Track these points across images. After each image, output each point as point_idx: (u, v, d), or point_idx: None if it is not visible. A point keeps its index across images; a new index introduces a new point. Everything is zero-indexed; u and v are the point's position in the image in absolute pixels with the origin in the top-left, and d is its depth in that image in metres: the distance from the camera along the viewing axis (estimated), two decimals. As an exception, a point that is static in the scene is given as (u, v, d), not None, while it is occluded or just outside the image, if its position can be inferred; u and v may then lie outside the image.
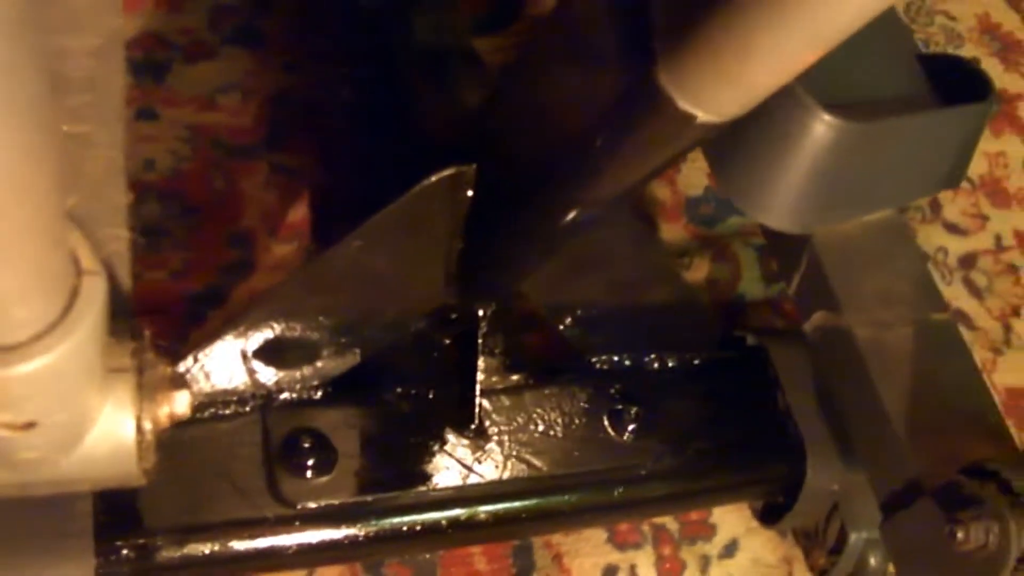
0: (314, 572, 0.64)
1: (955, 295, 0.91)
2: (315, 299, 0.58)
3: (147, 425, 0.41)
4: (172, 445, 0.57)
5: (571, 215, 0.50)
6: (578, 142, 0.45)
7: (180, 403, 0.42)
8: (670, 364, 0.70)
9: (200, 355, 0.58)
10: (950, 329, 0.64)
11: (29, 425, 0.35)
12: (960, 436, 0.58)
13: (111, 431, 0.40)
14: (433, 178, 0.54)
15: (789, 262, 0.65)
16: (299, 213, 0.75)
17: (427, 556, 0.67)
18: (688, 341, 0.70)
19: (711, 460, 0.67)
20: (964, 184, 0.97)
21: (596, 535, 0.70)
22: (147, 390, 0.41)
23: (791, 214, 0.62)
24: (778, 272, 0.67)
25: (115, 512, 0.54)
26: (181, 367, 0.58)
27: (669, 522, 0.73)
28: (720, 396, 0.70)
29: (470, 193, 0.55)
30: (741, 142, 0.61)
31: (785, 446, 0.68)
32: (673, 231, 0.85)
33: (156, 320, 0.68)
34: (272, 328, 0.59)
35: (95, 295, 0.33)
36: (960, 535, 0.53)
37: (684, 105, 0.37)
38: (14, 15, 0.23)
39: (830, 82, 0.61)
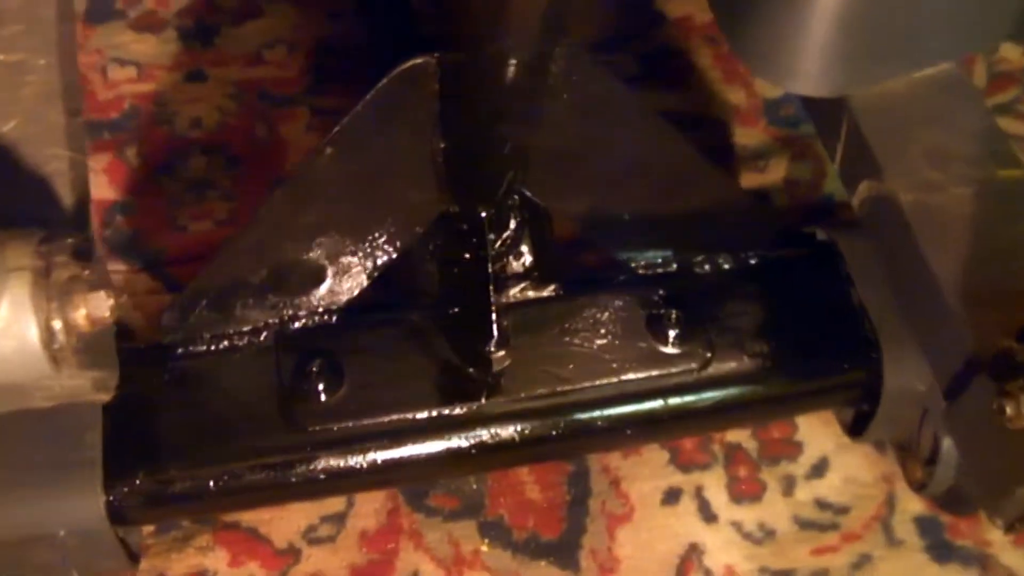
0: (353, 500, 0.63)
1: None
2: (304, 217, 0.57)
3: (57, 325, 0.41)
4: (182, 374, 0.59)
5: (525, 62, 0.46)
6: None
7: (98, 305, 0.42)
8: (723, 265, 0.64)
9: (206, 289, 0.58)
10: (1022, 186, 0.55)
11: None
12: (1027, 302, 0.50)
13: (12, 329, 0.40)
14: (393, 73, 0.52)
15: (831, 134, 0.59)
16: (343, 154, 0.75)
17: (474, 486, 0.64)
18: (740, 240, 0.64)
19: (770, 365, 0.61)
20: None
21: (658, 457, 0.65)
22: (56, 291, 0.41)
23: (819, 76, 0.55)
24: (826, 148, 0.61)
25: (126, 443, 0.55)
26: (188, 303, 0.58)
27: (746, 440, 0.67)
28: (781, 296, 0.63)
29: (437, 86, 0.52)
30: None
31: (860, 347, 0.61)
32: (751, 135, 0.78)
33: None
34: (268, 253, 0.58)
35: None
36: (1010, 410, 0.45)
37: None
38: None
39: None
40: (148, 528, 0.62)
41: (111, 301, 0.42)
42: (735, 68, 0.80)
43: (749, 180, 0.75)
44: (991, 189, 0.54)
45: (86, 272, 0.43)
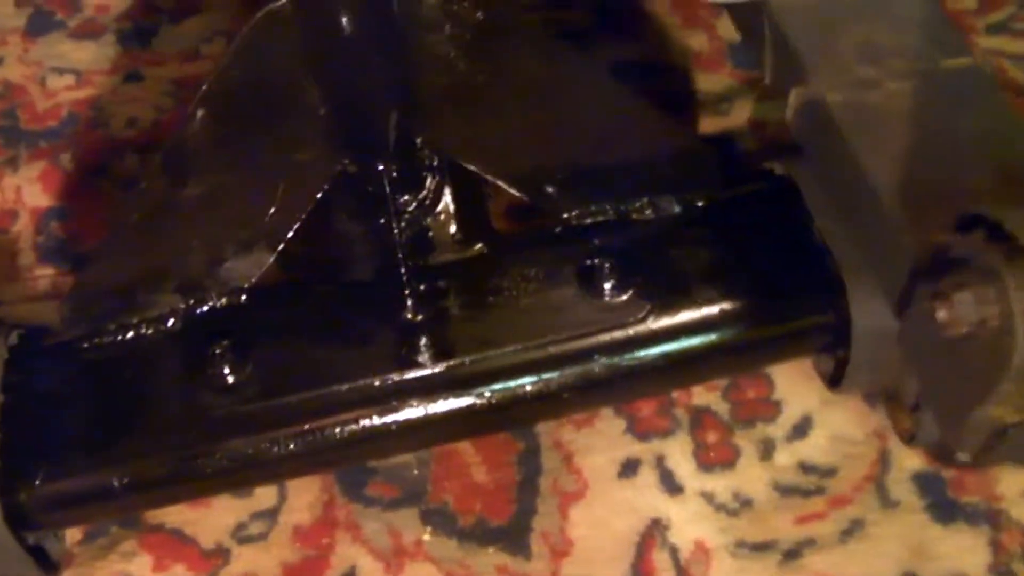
0: (285, 495, 0.59)
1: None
2: (187, 191, 0.53)
3: None
4: (81, 367, 0.55)
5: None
6: None
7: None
8: (667, 210, 0.59)
9: (98, 276, 0.55)
10: (973, 74, 0.48)
11: None
12: (974, 198, 0.44)
13: None
14: (252, 20, 0.48)
15: (757, 45, 0.53)
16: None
17: (415, 471, 0.60)
18: (686, 183, 0.59)
19: (722, 313, 0.55)
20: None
21: (613, 426, 0.60)
22: None
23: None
24: (757, 67, 0.55)
25: (20, 442, 0.52)
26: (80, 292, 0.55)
27: (716, 403, 0.61)
28: (732, 238, 0.57)
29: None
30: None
31: (822, 285, 0.55)
32: (715, 80, 0.73)
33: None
34: (160, 234, 0.55)
35: None
36: (942, 313, 0.39)
37: None
38: None
39: None
40: (75, 537, 0.59)
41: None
42: (695, 13, 0.75)
43: (712, 124, 0.70)
44: (933, 81, 0.48)
45: None
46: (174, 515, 0.59)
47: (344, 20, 0.45)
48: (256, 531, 0.58)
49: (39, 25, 0.80)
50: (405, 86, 0.50)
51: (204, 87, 0.51)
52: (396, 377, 0.54)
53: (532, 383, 0.54)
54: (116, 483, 0.53)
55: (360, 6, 0.44)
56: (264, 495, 0.59)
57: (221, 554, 0.58)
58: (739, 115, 0.70)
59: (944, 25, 0.50)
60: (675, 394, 0.61)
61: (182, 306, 0.56)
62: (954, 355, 0.40)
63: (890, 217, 0.45)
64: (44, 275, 0.67)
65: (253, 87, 0.50)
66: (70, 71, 0.78)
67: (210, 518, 0.59)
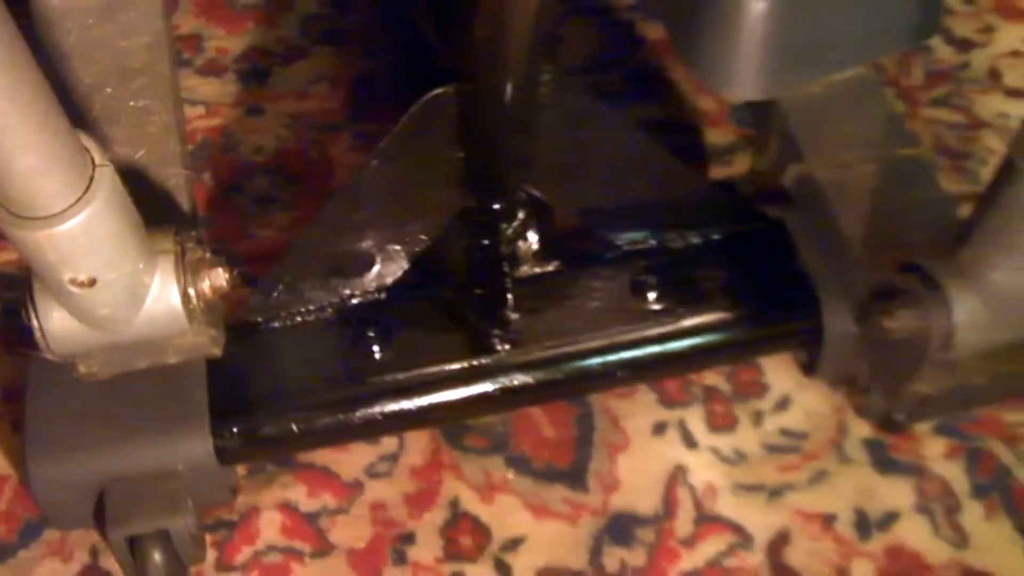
0: (404, 444, 0.81)
1: (1019, 153, 0.96)
2: (357, 216, 0.75)
3: (191, 293, 0.59)
4: (266, 343, 0.77)
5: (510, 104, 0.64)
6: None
7: (218, 278, 0.60)
8: (692, 240, 0.82)
9: (283, 276, 0.77)
10: (918, 160, 0.72)
11: (91, 282, 0.54)
12: (913, 247, 0.67)
13: (163, 297, 0.58)
14: (421, 100, 0.70)
15: (766, 130, 0.76)
16: (380, 169, 0.93)
17: (500, 428, 0.82)
18: (705, 220, 0.82)
19: (733, 317, 0.78)
20: (1027, 49, 1.03)
21: (646, 397, 0.83)
22: (190, 267, 0.59)
23: (750, 82, 0.73)
24: (759, 145, 0.78)
25: (225, 399, 0.73)
26: (270, 288, 0.76)
27: (720, 383, 0.84)
28: (740, 262, 0.80)
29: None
30: (695, 18, 0.73)
31: (804, 300, 0.78)
32: (721, 135, 0.96)
33: (269, 266, 0.87)
34: (330, 245, 0.76)
35: (106, 179, 0.51)
36: (888, 324, 0.62)
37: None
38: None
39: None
40: (241, 471, 0.80)
41: (227, 274, 0.61)
42: (705, 80, 0.98)
43: (718, 172, 0.93)
44: (890, 165, 0.72)
45: (207, 254, 0.61)
46: (321, 456, 0.80)
47: (495, 109, 0.67)
48: (383, 470, 0.80)
49: (171, 63, 1.00)
50: (525, 153, 0.72)
51: (379, 145, 0.72)
52: (496, 358, 0.76)
53: (596, 364, 0.77)
54: (295, 428, 0.74)
55: (509, 102, 0.66)
56: (388, 443, 0.81)
57: (357, 487, 0.79)
58: (740, 165, 0.93)
59: (899, 123, 0.74)
60: (692, 376, 0.84)
61: (337, 300, 0.78)
62: (895, 350, 0.64)
63: (856, 258, 0.68)
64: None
65: (413, 147, 0.72)
66: (200, 103, 0.98)
67: (349, 459, 0.80)
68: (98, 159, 0.51)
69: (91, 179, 0.51)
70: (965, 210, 0.90)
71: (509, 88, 0.66)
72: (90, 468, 0.70)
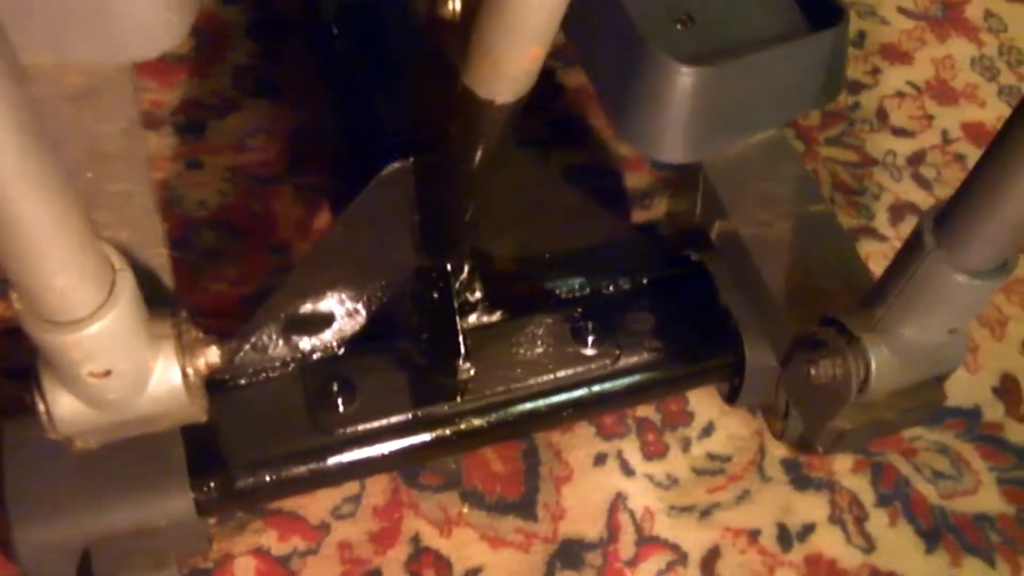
0: (365, 485, 0.87)
1: (905, 190, 1.08)
2: (320, 277, 0.81)
3: (190, 371, 0.65)
4: (235, 400, 0.82)
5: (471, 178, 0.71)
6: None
7: (212, 355, 0.66)
8: (622, 286, 0.90)
9: (249, 337, 0.82)
10: (826, 216, 0.82)
11: (107, 373, 0.59)
12: (829, 300, 0.77)
13: (165, 377, 0.64)
14: (381, 174, 0.77)
15: (692, 187, 0.85)
16: (322, 218, 0.99)
17: (453, 465, 0.89)
18: (632, 265, 0.91)
19: (663, 356, 0.88)
20: (910, 90, 1.15)
21: (586, 431, 0.91)
22: (187, 348, 0.65)
23: (680, 148, 0.82)
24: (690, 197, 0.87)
25: (201, 455, 0.79)
26: (236, 348, 0.82)
27: (651, 414, 0.93)
28: (667, 305, 0.90)
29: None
30: (629, 98, 0.81)
31: (727, 337, 0.88)
32: (639, 179, 1.05)
33: (222, 321, 0.92)
34: (294, 306, 0.82)
35: (126, 282, 0.56)
36: (813, 371, 0.72)
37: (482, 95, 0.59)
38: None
39: (704, 31, 0.82)
40: (211, 520, 0.85)
41: (220, 351, 0.66)
42: (622, 126, 1.07)
43: (639, 216, 1.02)
44: (803, 221, 0.81)
45: (200, 334, 0.66)
46: (288, 501, 0.86)
47: (457, 182, 0.74)
48: (347, 511, 0.87)
49: (106, 117, 1.04)
50: (477, 222, 0.80)
51: (342, 215, 0.79)
52: (452, 404, 0.84)
53: (543, 406, 0.85)
54: (269, 479, 0.80)
55: (464, 183, 0.73)
56: (350, 485, 0.88)
57: (324, 528, 0.86)
58: (658, 208, 1.02)
59: (810, 182, 0.84)
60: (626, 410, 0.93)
61: (300, 355, 0.84)
62: (817, 392, 0.74)
63: (777, 306, 0.78)
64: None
65: (373, 216, 0.79)
66: (138, 157, 1.02)
67: (314, 502, 0.87)
68: (117, 264, 0.57)
69: (112, 283, 0.56)
70: (864, 248, 1.01)
71: (464, 163, 0.73)
72: (76, 529, 0.75)
